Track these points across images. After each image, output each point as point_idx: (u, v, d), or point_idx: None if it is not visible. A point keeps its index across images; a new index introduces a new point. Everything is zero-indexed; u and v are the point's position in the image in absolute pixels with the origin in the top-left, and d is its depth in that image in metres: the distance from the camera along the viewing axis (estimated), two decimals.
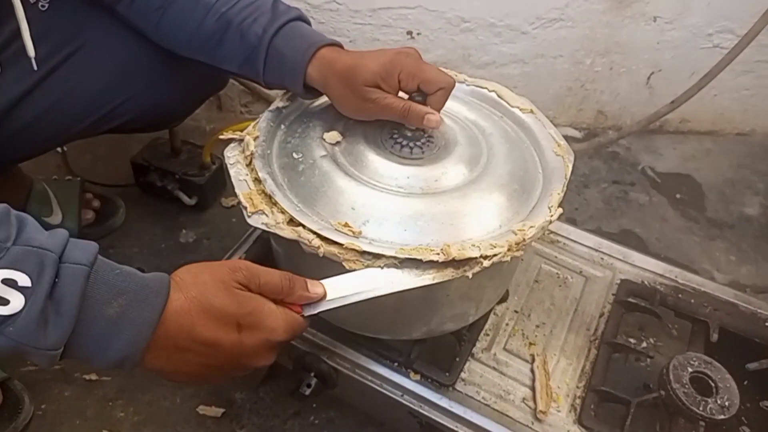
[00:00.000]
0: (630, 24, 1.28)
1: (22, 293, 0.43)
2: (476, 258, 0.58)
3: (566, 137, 1.39)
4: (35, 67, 0.74)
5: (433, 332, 0.71)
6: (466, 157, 0.68)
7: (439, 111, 0.66)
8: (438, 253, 0.57)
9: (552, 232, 0.92)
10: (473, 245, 0.58)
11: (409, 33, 1.29)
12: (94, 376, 0.91)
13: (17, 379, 0.87)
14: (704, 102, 1.37)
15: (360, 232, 0.60)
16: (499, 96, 0.79)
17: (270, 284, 0.54)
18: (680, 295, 0.84)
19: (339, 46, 0.70)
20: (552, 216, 0.63)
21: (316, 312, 0.57)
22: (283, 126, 0.73)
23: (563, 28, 1.28)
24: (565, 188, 0.67)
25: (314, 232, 0.59)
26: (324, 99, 0.75)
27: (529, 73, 1.36)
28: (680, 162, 1.41)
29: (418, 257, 0.57)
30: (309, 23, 0.73)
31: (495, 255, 0.59)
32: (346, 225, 0.60)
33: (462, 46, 1.31)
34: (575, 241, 0.91)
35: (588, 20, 1.27)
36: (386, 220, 0.61)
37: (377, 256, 0.58)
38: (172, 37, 0.77)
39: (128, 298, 0.47)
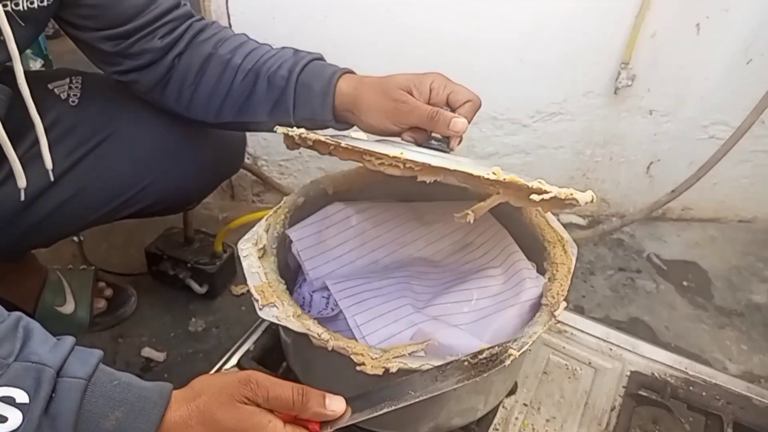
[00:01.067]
0: (627, 117, 1.34)
1: (20, 410, 0.44)
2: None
3: (571, 224, 1.43)
4: (52, 179, 0.78)
5: (441, 427, 0.70)
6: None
7: (467, 123, 0.69)
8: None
9: (559, 321, 0.92)
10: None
11: None
12: None
13: None
14: (705, 190, 1.40)
15: None
16: None
17: (280, 399, 0.50)
18: (691, 388, 0.83)
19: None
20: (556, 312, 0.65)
21: (335, 428, 0.53)
22: None
23: (562, 121, 1.34)
24: (570, 281, 0.68)
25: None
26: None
27: (531, 163, 1.41)
28: (685, 249, 1.43)
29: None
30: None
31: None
32: None
33: (466, 138, 1.34)
34: (583, 331, 0.91)
35: (586, 114, 1.33)
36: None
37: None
38: (205, 106, 0.81)
39: (125, 410, 0.48)
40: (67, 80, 0.84)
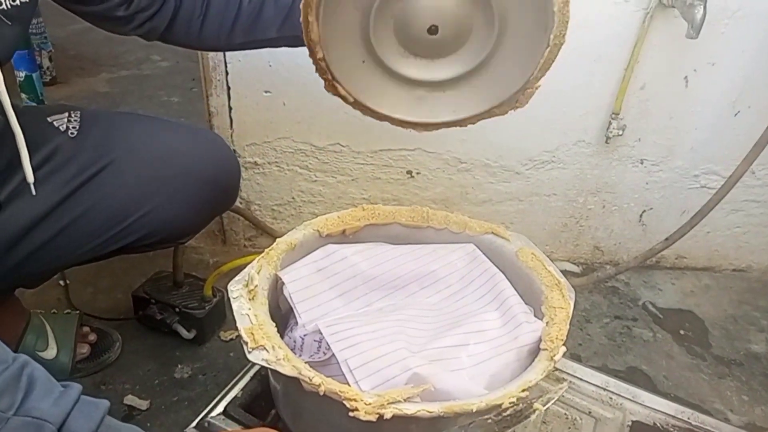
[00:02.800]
0: (618, 166, 1.35)
1: None
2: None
3: (565, 272, 1.42)
4: (33, 192, 0.78)
5: None
6: None
7: None
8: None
9: (558, 369, 0.90)
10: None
11: (409, 173, 1.35)
12: None
13: None
14: (698, 239, 1.41)
15: None
16: None
17: None
18: None
19: None
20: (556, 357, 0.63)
21: None
22: None
23: (555, 169, 1.35)
24: (568, 326, 0.67)
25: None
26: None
27: (524, 210, 1.41)
28: (680, 298, 1.41)
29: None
30: None
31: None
32: None
33: (460, 185, 1.37)
34: (582, 379, 0.89)
35: (578, 162, 1.34)
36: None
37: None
38: (215, 35, 0.85)
39: None
40: (66, 114, 0.85)
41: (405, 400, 0.57)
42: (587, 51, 1.20)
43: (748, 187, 1.35)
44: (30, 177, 0.76)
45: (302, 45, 0.78)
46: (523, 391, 0.60)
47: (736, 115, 1.27)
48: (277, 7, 0.81)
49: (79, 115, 0.86)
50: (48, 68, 2.08)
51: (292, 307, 0.72)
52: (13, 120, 0.72)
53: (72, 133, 0.83)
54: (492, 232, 0.83)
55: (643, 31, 1.16)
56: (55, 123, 0.83)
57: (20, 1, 0.70)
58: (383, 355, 0.63)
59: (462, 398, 0.60)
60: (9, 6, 0.68)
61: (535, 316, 0.73)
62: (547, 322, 0.69)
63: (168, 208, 0.88)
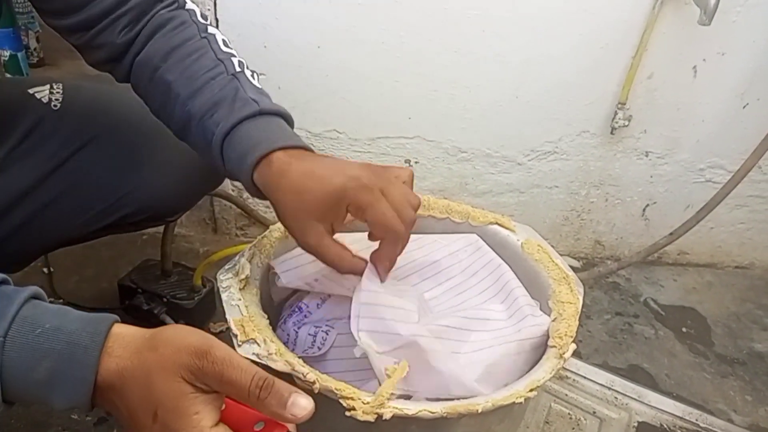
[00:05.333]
0: (622, 158, 1.32)
1: None
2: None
3: None
4: None
5: None
6: None
7: (387, 266, 0.58)
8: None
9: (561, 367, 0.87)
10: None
11: (407, 161, 1.31)
12: None
13: None
14: (701, 235, 1.38)
15: None
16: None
17: (234, 385, 0.42)
18: None
19: (296, 148, 0.59)
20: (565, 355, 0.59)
21: None
22: None
23: (557, 160, 1.31)
24: (578, 321, 0.63)
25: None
26: None
27: (525, 202, 1.37)
28: (682, 294, 1.38)
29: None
30: (278, 113, 0.63)
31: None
32: None
33: (459, 175, 1.33)
34: (586, 378, 0.86)
35: (581, 153, 1.30)
36: None
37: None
38: (158, 114, 0.71)
39: (54, 359, 0.42)
40: (48, 86, 0.80)
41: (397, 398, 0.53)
42: (593, 38, 1.16)
43: (754, 182, 1.32)
44: None
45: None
46: (531, 390, 0.56)
47: (744, 107, 1.24)
48: (203, 139, 0.63)
49: (61, 87, 0.81)
50: (35, 49, 2.01)
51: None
52: None
53: (55, 105, 0.79)
54: (496, 223, 0.79)
55: (653, 17, 1.12)
56: (36, 95, 0.79)
57: None
58: (396, 307, 0.59)
59: (451, 385, 0.56)
60: None
61: (541, 310, 0.69)
62: (555, 318, 0.66)
63: (155, 183, 0.83)
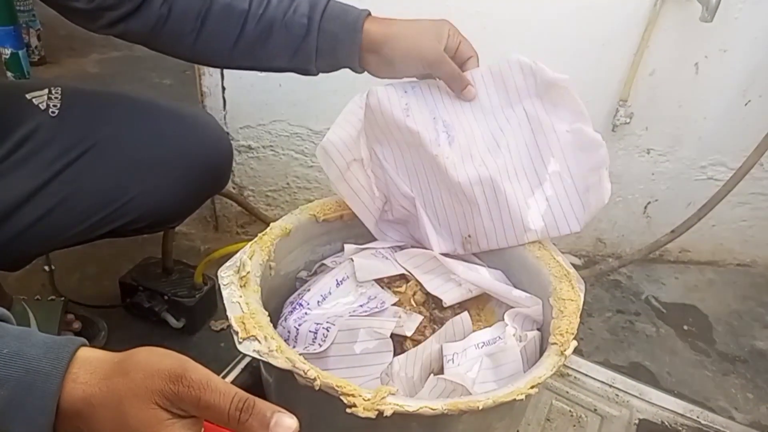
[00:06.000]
0: (624, 155, 1.31)
1: None
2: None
3: None
4: None
5: None
6: None
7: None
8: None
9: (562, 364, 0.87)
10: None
11: None
12: None
13: None
14: (703, 232, 1.37)
15: None
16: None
17: (213, 409, 0.40)
18: None
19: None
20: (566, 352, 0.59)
21: None
22: None
23: None
24: (579, 318, 0.63)
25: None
26: None
27: None
28: (684, 292, 1.38)
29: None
30: None
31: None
32: None
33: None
34: (587, 375, 0.85)
35: None
36: None
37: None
38: (212, 52, 0.75)
39: (12, 387, 0.40)
40: (46, 90, 0.80)
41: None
42: (595, 35, 1.16)
43: (756, 179, 1.32)
44: None
45: (314, 75, 0.76)
46: (532, 387, 0.56)
47: (746, 104, 1.24)
48: (289, 37, 0.72)
49: (60, 92, 0.80)
50: (36, 47, 2.03)
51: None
52: None
53: (53, 112, 0.78)
54: None
55: (654, 14, 1.11)
56: (34, 100, 0.78)
57: None
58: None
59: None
60: None
61: (543, 308, 0.69)
62: (556, 315, 0.66)
63: (156, 191, 0.83)
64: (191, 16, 0.72)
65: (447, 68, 0.71)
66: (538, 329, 0.69)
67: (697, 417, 0.81)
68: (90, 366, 0.42)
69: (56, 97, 0.80)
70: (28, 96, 0.79)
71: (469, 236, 0.74)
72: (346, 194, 0.75)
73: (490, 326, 0.68)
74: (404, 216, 0.76)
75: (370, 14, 0.73)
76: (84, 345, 0.43)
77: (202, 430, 0.43)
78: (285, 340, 0.60)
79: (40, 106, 0.78)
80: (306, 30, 0.71)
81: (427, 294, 0.72)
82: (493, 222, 0.71)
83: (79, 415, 0.41)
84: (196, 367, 0.41)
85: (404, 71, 0.73)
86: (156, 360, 0.42)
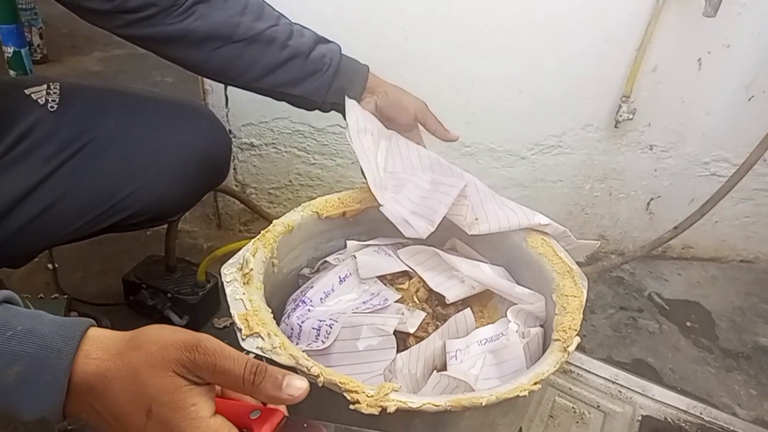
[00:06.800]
0: (626, 152, 1.31)
1: None
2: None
3: None
4: None
5: None
6: None
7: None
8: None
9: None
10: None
11: None
12: None
13: None
14: (706, 228, 1.37)
15: None
16: None
17: (228, 374, 0.41)
18: None
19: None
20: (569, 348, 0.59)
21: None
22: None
23: (561, 154, 1.31)
24: (582, 315, 0.63)
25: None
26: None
27: (529, 197, 1.37)
28: (687, 288, 1.38)
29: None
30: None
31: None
32: None
33: (463, 169, 1.32)
34: (590, 372, 0.86)
35: (585, 147, 1.30)
36: None
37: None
38: (226, 71, 0.80)
39: (25, 363, 0.41)
40: (45, 86, 0.79)
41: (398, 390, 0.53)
42: (597, 30, 1.15)
43: (759, 175, 1.32)
44: None
45: (315, 108, 0.87)
46: (535, 384, 0.56)
47: (749, 100, 1.23)
48: (307, 69, 0.81)
49: (58, 87, 0.80)
50: (38, 45, 2.02)
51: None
52: None
53: (52, 107, 0.78)
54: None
55: (657, 9, 1.11)
56: (33, 96, 0.78)
57: None
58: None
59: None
60: None
61: (545, 304, 0.69)
62: (558, 312, 0.66)
63: (155, 186, 0.83)
64: (216, 38, 0.76)
65: (430, 116, 0.87)
66: (540, 326, 0.69)
67: (701, 413, 0.81)
68: (102, 343, 0.43)
69: (55, 92, 0.80)
70: (26, 91, 0.79)
71: (477, 219, 0.74)
72: (358, 150, 0.79)
73: (492, 323, 0.68)
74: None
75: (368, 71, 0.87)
76: (93, 325, 0.45)
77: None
78: (288, 337, 0.60)
79: (39, 101, 0.78)
80: (327, 66, 0.82)
81: (430, 291, 0.72)
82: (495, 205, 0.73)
83: (92, 390, 0.42)
84: (209, 337, 0.43)
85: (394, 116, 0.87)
86: (168, 333, 0.43)
